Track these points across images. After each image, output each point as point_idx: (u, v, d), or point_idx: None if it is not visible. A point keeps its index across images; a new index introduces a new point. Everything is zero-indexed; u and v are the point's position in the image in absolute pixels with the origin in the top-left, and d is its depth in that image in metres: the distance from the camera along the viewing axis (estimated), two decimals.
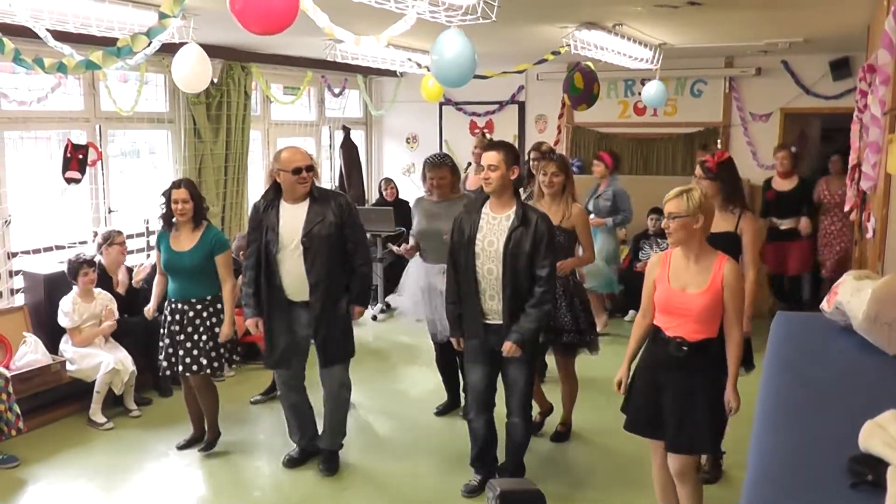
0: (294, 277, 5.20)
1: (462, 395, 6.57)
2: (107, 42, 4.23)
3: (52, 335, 6.54)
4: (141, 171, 8.73)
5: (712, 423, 4.02)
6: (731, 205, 4.97)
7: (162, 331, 5.72)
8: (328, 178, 10.91)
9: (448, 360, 6.53)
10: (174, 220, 5.57)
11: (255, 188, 9.54)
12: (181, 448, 5.88)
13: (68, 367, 6.38)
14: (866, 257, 5.71)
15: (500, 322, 4.77)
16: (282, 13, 3.48)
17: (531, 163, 6.92)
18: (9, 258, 6.78)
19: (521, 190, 6.41)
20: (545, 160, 5.79)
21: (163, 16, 3.66)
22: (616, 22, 6.57)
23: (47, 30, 4.52)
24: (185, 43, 5.72)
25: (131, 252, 7.37)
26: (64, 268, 6.54)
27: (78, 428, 6.26)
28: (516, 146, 10.60)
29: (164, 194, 5.60)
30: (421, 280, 6.18)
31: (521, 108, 11.15)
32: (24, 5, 4.35)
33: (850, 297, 2.87)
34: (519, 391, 4.92)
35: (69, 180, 6.93)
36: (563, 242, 5.51)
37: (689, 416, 4.00)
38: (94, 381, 6.27)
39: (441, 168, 6.09)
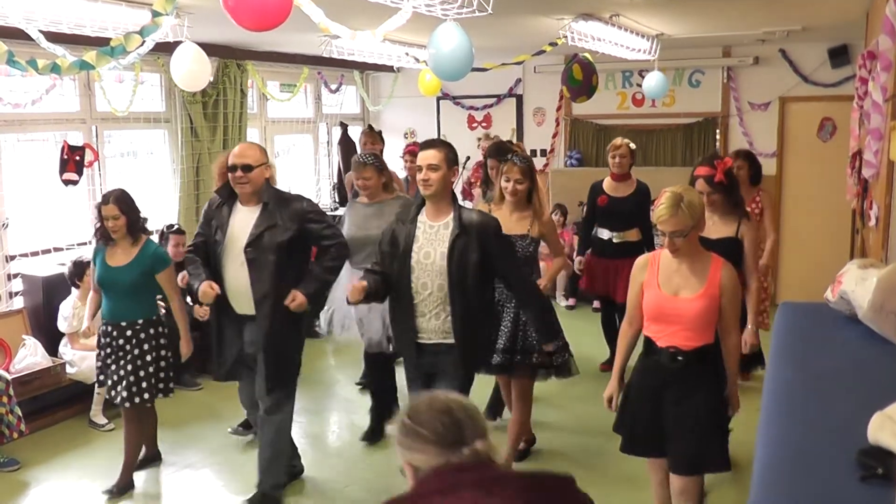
0: (239, 288, 4.72)
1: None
2: (100, 42, 4.20)
3: (51, 338, 6.52)
4: (139, 171, 8.69)
5: (720, 438, 3.78)
6: (736, 209, 4.76)
7: (99, 352, 5.31)
8: (326, 174, 10.88)
9: (376, 377, 6.10)
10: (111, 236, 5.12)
11: None
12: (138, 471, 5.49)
13: (68, 369, 6.36)
14: (869, 246, 5.68)
15: (438, 341, 4.24)
16: (275, 9, 3.46)
17: (489, 170, 6.05)
18: (7, 261, 6.75)
19: (482, 196, 5.97)
20: (508, 163, 5.12)
21: (155, 14, 3.63)
22: (613, 13, 6.54)
23: (40, 31, 4.49)
24: (180, 42, 5.69)
25: None
26: (65, 269, 6.52)
27: (79, 429, 6.25)
28: (516, 138, 10.65)
29: (96, 207, 5.20)
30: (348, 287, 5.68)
31: (519, 101, 11.11)
32: (17, 7, 4.33)
33: (855, 286, 2.85)
34: None
35: (67, 182, 6.90)
36: (529, 251, 5.08)
37: (693, 434, 3.70)
38: (94, 383, 6.23)
39: (366, 168, 5.80)
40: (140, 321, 5.14)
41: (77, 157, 6.95)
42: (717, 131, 9.99)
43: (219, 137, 8.51)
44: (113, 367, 5.15)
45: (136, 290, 5.12)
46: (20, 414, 5.65)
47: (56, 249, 7.07)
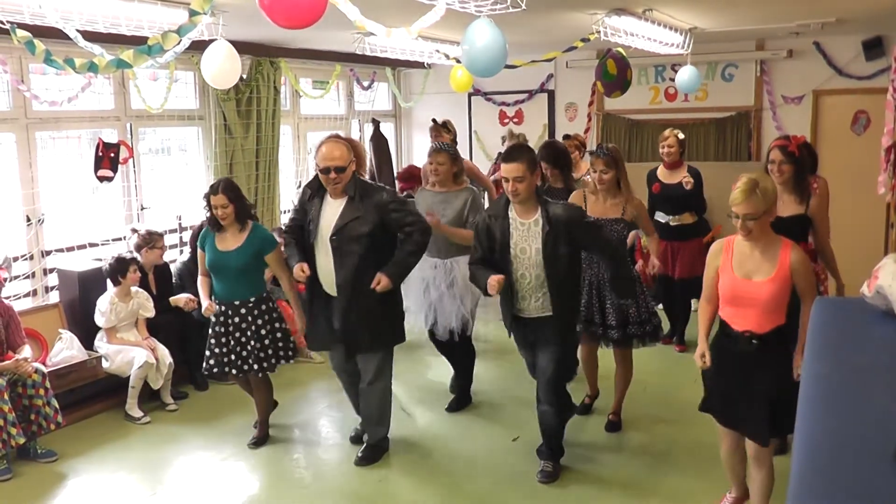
0: (326, 273, 5.23)
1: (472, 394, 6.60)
2: (136, 41, 4.25)
3: (86, 332, 6.60)
4: (173, 167, 8.78)
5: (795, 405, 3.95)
6: (806, 186, 4.96)
7: (209, 331, 5.73)
8: None
9: (449, 356, 6.55)
10: (221, 224, 5.56)
11: (287, 183, 9.60)
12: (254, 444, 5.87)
13: (103, 363, 6.44)
14: None
15: (538, 315, 4.96)
16: (310, 7, 3.48)
17: (544, 171, 6.27)
18: (43, 256, 6.85)
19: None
20: (593, 156, 5.68)
21: (193, 13, 3.66)
22: (646, 7, 6.50)
23: (77, 30, 4.55)
24: (215, 40, 5.74)
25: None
26: (104, 265, 6.60)
27: (115, 422, 6.32)
28: (547, 135, 10.65)
29: (205, 197, 5.58)
30: (416, 273, 6.04)
31: (551, 96, 11.08)
32: (54, 6, 4.38)
33: (892, 280, 2.82)
34: (547, 380, 5.02)
35: (101, 178, 6.98)
36: (623, 234, 5.64)
37: (767, 403, 3.96)
38: (129, 377, 6.32)
39: (439, 153, 6.16)
40: (252, 298, 5.63)
41: (112, 154, 7.04)
42: (751, 125, 9.92)
43: (252, 134, 8.57)
44: (232, 343, 5.60)
45: (247, 271, 5.58)
46: (57, 406, 5.74)
47: (91, 245, 7.17)
